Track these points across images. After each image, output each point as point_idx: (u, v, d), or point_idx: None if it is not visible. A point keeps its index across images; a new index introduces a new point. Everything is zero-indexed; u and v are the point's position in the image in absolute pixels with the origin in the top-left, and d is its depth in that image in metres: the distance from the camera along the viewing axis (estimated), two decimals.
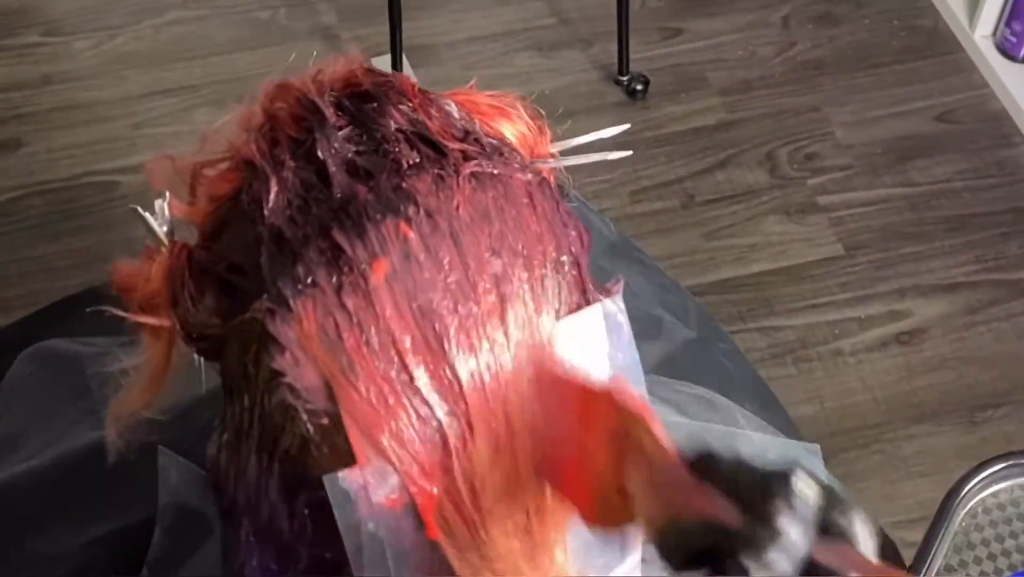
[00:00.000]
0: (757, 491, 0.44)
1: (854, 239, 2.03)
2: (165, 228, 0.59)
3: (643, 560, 0.58)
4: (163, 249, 0.59)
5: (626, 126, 0.70)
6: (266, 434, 0.55)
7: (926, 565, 0.87)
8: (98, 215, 1.99)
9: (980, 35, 2.27)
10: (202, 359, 0.59)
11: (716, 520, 0.44)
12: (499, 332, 0.53)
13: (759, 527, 0.43)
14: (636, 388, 0.58)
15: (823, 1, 2.39)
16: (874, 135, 2.18)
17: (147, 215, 0.59)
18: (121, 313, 0.59)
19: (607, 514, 0.52)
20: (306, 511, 0.55)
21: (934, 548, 0.88)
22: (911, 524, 1.65)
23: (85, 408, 0.84)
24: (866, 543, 0.44)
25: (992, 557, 0.88)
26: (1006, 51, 2.23)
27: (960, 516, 0.89)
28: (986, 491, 0.91)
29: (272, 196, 0.55)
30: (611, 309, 0.58)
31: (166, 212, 0.59)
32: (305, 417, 0.53)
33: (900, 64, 2.30)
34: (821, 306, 1.95)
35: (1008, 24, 2.20)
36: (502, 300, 0.53)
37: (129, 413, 0.60)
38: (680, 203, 2.08)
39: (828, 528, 0.44)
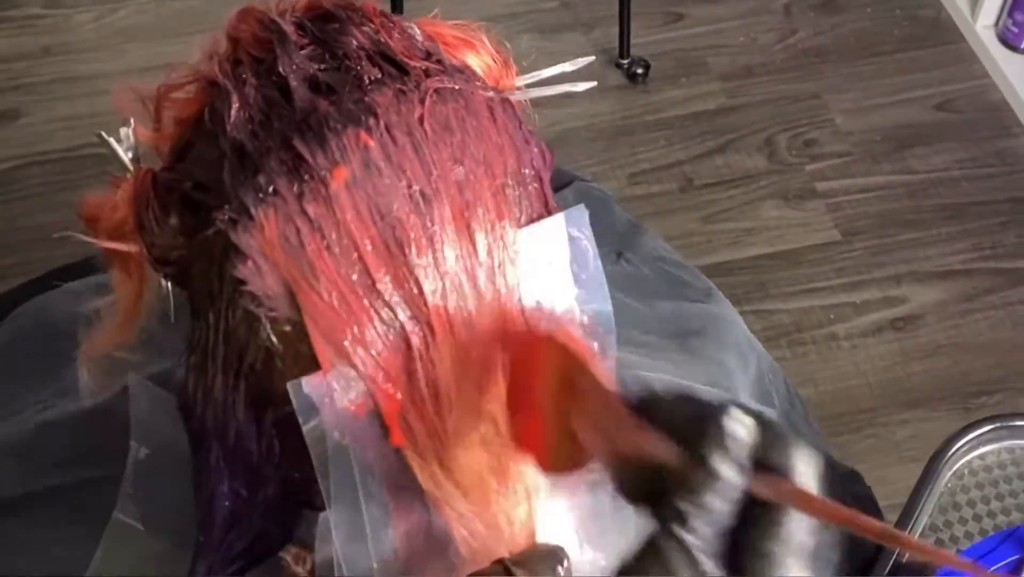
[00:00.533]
0: (692, 432, 0.44)
1: (851, 225, 2.03)
2: (131, 155, 0.59)
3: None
4: (128, 176, 0.59)
5: (591, 58, 0.70)
6: (231, 350, 0.55)
7: (911, 524, 0.87)
8: (97, 186, 1.99)
9: (982, 25, 2.27)
10: (171, 286, 0.59)
11: (656, 462, 0.44)
12: (463, 238, 0.54)
13: (693, 469, 0.43)
14: (601, 306, 0.58)
15: None
16: (874, 123, 2.18)
17: (112, 141, 0.59)
18: (88, 239, 0.59)
19: (560, 459, 0.52)
20: (273, 430, 0.55)
21: (919, 507, 0.88)
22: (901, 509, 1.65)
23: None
24: (806, 476, 0.44)
25: (977, 518, 0.88)
26: (1007, 41, 2.23)
27: (946, 477, 0.89)
28: (973, 453, 0.92)
29: (233, 112, 0.55)
30: (575, 230, 0.58)
31: (131, 139, 0.59)
32: (268, 326, 0.53)
33: (901, 53, 2.30)
34: (817, 291, 1.95)
35: (1010, 15, 2.20)
36: (465, 206, 0.54)
37: (103, 353, 0.60)
38: (678, 186, 2.08)
39: (767, 464, 0.44)
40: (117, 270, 0.61)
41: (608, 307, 0.59)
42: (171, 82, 0.60)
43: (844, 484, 0.93)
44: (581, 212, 0.58)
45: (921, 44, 2.31)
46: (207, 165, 0.56)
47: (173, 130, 0.60)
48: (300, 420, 0.52)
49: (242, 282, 0.53)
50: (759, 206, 2.06)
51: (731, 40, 2.30)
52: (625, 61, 2.20)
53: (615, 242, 1.03)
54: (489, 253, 0.54)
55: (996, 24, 2.26)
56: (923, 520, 0.88)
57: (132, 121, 0.60)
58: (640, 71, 2.20)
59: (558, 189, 1.06)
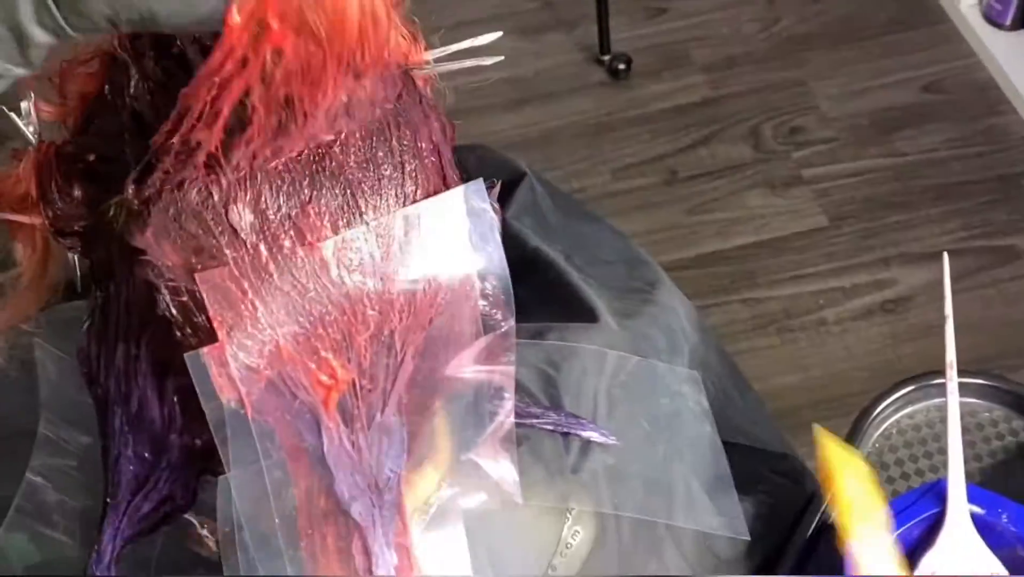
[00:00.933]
0: None
1: (839, 210, 2.02)
2: (32, 129, 0.60)
3: None
4: (30, 149, 0.60)
5: (499, 34, 0.70)
6: (132, 319, 0.56)
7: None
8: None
9: (966, 4, 2.25)
10: (75, 256, 0.60)
11: None
12: (353, 210, 0.54)
13: None
14: (501, 275, 0.59)
15: None
16: (860, 107, 2.17)
17: (13, 115, 0.60)
18: None
19: None
20: (175, 397, 0.56)
21: None
22: None
23: None
24: None
25: (905, 476, 0.87)
26: (992, 19, 2.21)
27: (873, 437, 0.89)
28: (900, 412, 0.91)
29: (133, 83, 0.56)
30: (478, 202, 0.58)
31: (33, 114, 0.60)
32: (167, 296, 0.54)
33: (887, 36, 2.28)
34: (805, 277, 1.94)
35: None
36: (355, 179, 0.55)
37: (8, 325, 0.61)
38: (663, 179, 2.07)
39: None
40: (21, 243, 0.62)
41: (507, 275, 0.60)
42: (74, 57, 0.61)
43: (768, 462, 0.92)
44: (479, 185, 0.59)
45: (906, 26, 2.30)
46: (109, 136, 0.57)
47: (76, 104, 0.61)
48: (198, 390, 0.53)
49: (141, 252, 0.53)
50: (745, 195, 2.05)
51: (714, 31, 2.29)
52: (606, 57, 2.20)
53: (562, 240, 1.02)
54: (378, 227, 0.55)
55: (980, 2, 2.24)
56: None
57: (32, 95, 0.62)
58: (622, 67, 2.20)
59: (512, 184, 1.06)
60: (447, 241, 0.58)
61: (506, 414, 0.63)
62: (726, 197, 2.04)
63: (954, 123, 2.14)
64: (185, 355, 0.53)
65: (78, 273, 0.61)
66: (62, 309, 0.68)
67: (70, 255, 0.61)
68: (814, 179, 2.07)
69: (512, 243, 0.99)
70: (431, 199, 0.57)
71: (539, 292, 0.90)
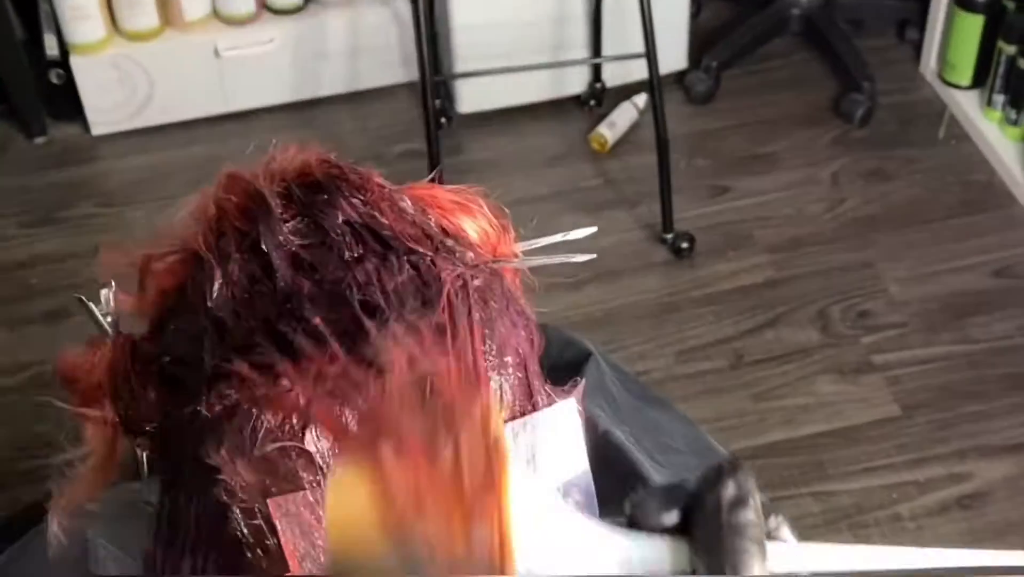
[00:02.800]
0: None
1: (911, 399, 1.96)
2: (110, 319, 0.58)
3: None
4: (107, 340, 0.57)
5: (593, 229, 0.68)
6: (201, 532, 0.54)
7: None
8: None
9: None
10: (144, 453, 0.57)
11: None
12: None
13: None
14: (585, 499, 0.56)
15: (873, 157, 2.37)
16: (930, 291, 2.13)
17: (91, 304, 0.58)
18: (62, 404, 0.58)
19: None
20: None
21: None
22: None
23: None
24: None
25: None
26: None
27: None
28: None
29: (216, 287, 0.54)
30: (569, 416, 0.54)
31: (111, 302, 0.58)
32: (240, 517, 0.51)
33: (955, 219, 2.25)
34: (878, 469, 1.87)
35: None
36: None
37: (73, 504, 0.58)
38: (729, 363, 2.03)
39: None
40: (91, 428, 0.60)
41: (591, 497, 0.56)
42: (156, 251, 0.59)
43: None
44: (570, 407, 0.55)
45: (974, 209, 2.27)
46: (187, 339, 0.55)
47: (155, 298, 0.59)
48: None
49: (215, 469, 0.51)
50: (814, 381, 2.00)
51: (778, 212, 2.28)
52: (669, 236, 2.19)
53: (631, 424, 0.99)
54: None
55: None
56: None
57: (113, 284, 0.60)
58: (685, 245, 2.18)
59: (578, 364, 1.03)
60: (535, 458, 0.54)
61: None
62: (794, 383, 1.99)
63: None
64: None
65: (145, 469, 0.59)
66: (122, 490, 0.65)
67: (139, 451, 0.59)
68: (885, 365, 2.01)
69: (585, 427, 0.96)
70: (515, 421, 0.54)
71: (613, 480, 0.87)
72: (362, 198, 0.58)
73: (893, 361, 2.02)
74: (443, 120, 2.43)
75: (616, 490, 0.84)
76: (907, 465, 1.88)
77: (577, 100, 2.50)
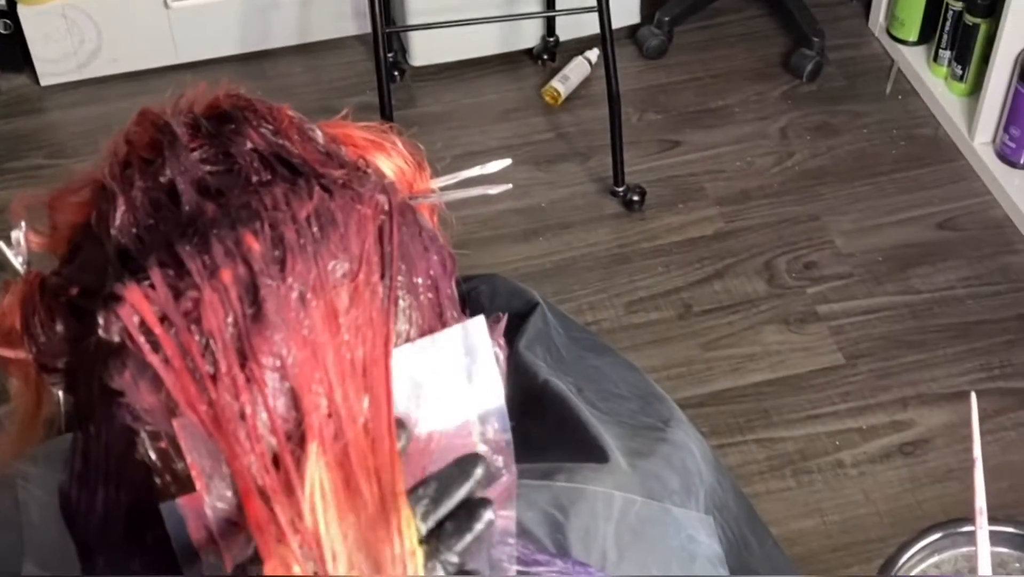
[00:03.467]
0: None
1: (855, 348, 2.00)
2: (21, 259, 0.58)
3: None
4: (18, 281, 0.58)
5: (508, 161, 0.68)
6: (112, 462, 0.53)
7: None
8: None
9: (979, 142, 2.26)
10: (62, 395, 0.58)
11: None
12: (337, 338, 0.52)
13: None
14: (502, 429, 0.56)
15: (821, 112, 2.40)
16: (875, 243, 2.16)
17: (2, 245, 0.58)
18: None
19: None
20: (155, 545, 0.53)
21: None
22: None
23: None
24: None
25: None
26: (1006, 157, 2.21)
27: None
28: (927, 561, 0.86)
29: (119, 215, 0.54)
30: (477, 341, 0.55)
31: (23, 243, 0.58)
32: (146, 441, 0.51)
33: (900, 172, 2.28)
34: (821, 417, 1.91)
35: (1006, 130, 2.19)
36: (343, 311, 0.52)
37: (2, 461, 0.59)
38: (677, 314, 2.05)
39: None
40: (14, 378, 0.59)
41: (506, 419, 0.57)
42: (65, 186, 0.59)
43: None
44: (479, 322, 0.56)
45: (920, 163, 2.30)
46: (93, 269, 0.55)
47: (66, 234, 0.59)
48: (173, 543, 0.51)
49: (120, 394, 0.51)
50: (760, 331, 2.02)
51: (727, 165, 2.30)
52: (620, 189, 2.20)
53: (574, 373, 1.00)
54: (365, 366, 0.52)
55: (993, 141, 2.24)
56: None
57: (23, 225, 0.60)
58: (636, 198, 2.19)
59: (524, 315, 1.04)
60: (442, 383, 0.55)
61: (509, 561, 0.59)
62: (740, 332, 2.02)
63: (969, 261, 2.13)
64: (160, 505, 0.50)
65: (62, 411, 0.59)
66: (57, 442, 0.65)
67: (56, 392, 0.59)
68: (829, 315, 2.04)
69: (523, 375, 0.96)
70: (424, 339, 0.54)
71: (548, 427, 0.88)
72: (271, 127, 0.58)
73: (838, 311, 2.05)
74: (396, 73, 2.43)
75: (554, 437, 0.85)
76: (850, 413, 1.91)
77: (530, 54, 2.51)
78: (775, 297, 2.07)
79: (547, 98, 2.41)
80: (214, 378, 0.50)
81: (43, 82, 2.42)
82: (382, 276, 0.54)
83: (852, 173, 2.28)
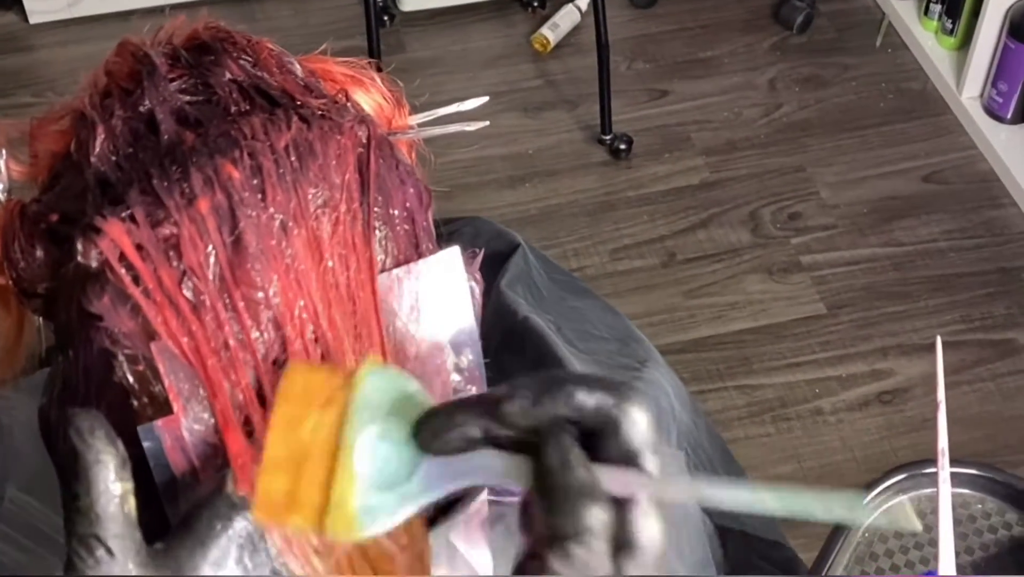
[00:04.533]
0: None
1: (836, 298, 2.01)
2: (1, 187, 0.59)
3: None
4: None
5: (485, 98, 0.69)
6: (91, 385, 0.54)
7: (824, 572, 0.84)
8: None
9: (967, 96, 2.26)
10: (42, 321, 0.58)
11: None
12: (320, 265, 0.52)
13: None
14: (475, 359, 0.57)
15: (810, 64, 2.40)
16: (860, 195, 2.17)
17: None
18: None
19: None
20: (132, 465, 0.54)
21: (831, 559, 0.84)
22: None
23: None
24: (650, 462, 0.44)
25: (895, 568, 0.85)
26: (993, 112, 2.22)
27: (863, 527, 0.86)
28: (891, 501, 0.88)
29: (98, 143, 0.54)
30: (453, 272, 0.56)
31: (3, 171, 0.59)
32: (124, 364, 0.52)
33: (887, 125, 2.29)
34: (802, 365, 1.92)
35: (994, 85, 2.19)
36: (322, 234, 0.53)
37: None
38: (661, 261, 2.06)
39: (616, 459, 0.44)
40: None
41: (479, 349, 0.58)
42: (46, 116, 0.60)
43: (759, 550, 0.90)
44: (454, 253, 0.57)
45: (907, 116, 2.30)
46: (73, 196, 0.55)
47: (46, 162, 0.59)
48: (150, 462, 0.51)
49: (99, 318, 0.52)
50: (743, 280, 2.04)
51: (715, 115, 2.30)
52: (607, 137, 2.20)
53: (554, 312, 1.01)
54: (350, 291, 0.53)
55: (981, 95, 2.25)
56: (837, 571, 0.84)
57: (3, 152, 0.60)
58: (623, 147, 2.20)
59: (506, 256, 1.05)
60: (417, 313, 0.56)
61: (480, 491, 0.60)
62: (723, 281, 2.03)
63: (953, 214, 2.14)
64: (138, 427, 0.51)
65: (42, 339, 0.60)
66: (40, 375, 0.66)
67: (36, 320, 0.60)
68: (812, 266, 2.06)
69: (503, 312, 0.97)
70: (398, 268, 0.55)
71: (527, 363, 0.88)
72: (250, 59, 0.58)
73: (820, 262, 2.06)
74: (385, 18, 2.42)
75: (530, 371, 0.86)
76: (830, 361, 1.93)
77: (520, 1, 2.50)
78: (759, 247, 2.08)
79: (536, 46, 2.41)
80: (195, 309, 0.51)
81: (32, 20, 2.41)
82: (360, 204, 0.55)
83: (839, 125, 2.28)
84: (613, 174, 2.19)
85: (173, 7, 2.41)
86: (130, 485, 0.47)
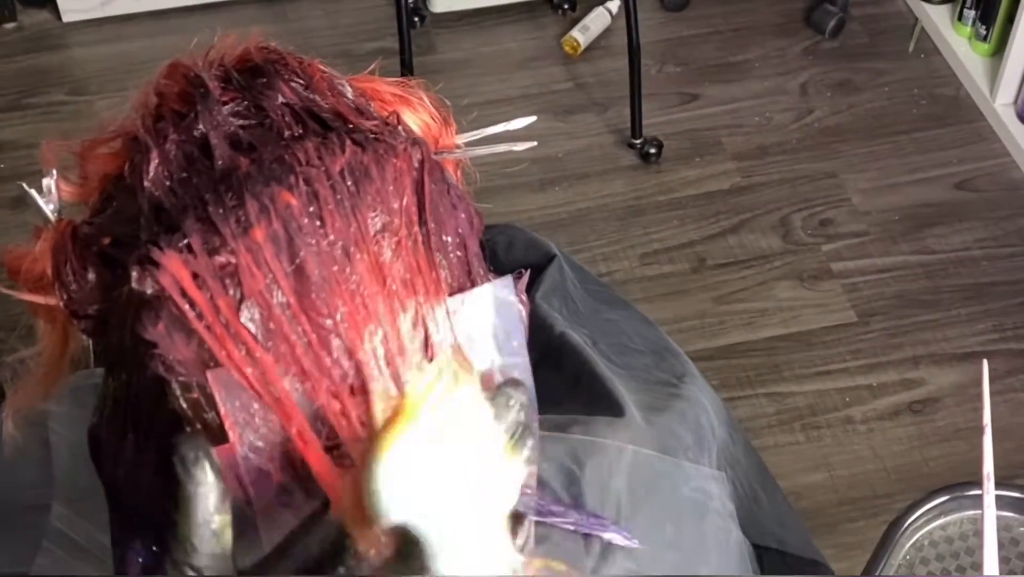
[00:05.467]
0: None
1: (868, 306, 2.00)
2: (52, 207, 0.59)
3: None
4: (49, 228, 0.58)
5: (533, 118, 0.69)
6: (142, 410, 0.54)
7: None
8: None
9: (1001, 103, 2.24)
10: (90, 340, 0.58)
11: None
12: (386, 288, 0.52)
13: None
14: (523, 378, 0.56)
15: (842, 69, 2.39)
16: (891, 202, 2.16)
17: (33, 193, 0.59)
18: (9, 292, 0.58)
19: None
20: None
21: None
22: None
23: None
24: None
25: None
26: None
27: (905, 548, 0.86)
28: (933, 523, 0.88)
29: (152, 168, 0.54)
30: (506, 296, 0.56)
31: (53, 191, 0.59)
32: (177, 391, 0.52)
33: (920, 132, 2.28)
34: (832, 373, 1.92)
35: None
36: (385, 260, 0.53)
37: (28, 403, 0.59)
38: (691, 267, 2.06)
39: None
40: (42, 321, 0.60)
41: (530, 372, 0.58)
42: (96, 137, 0.60)
43: (797, 568, 0.89)
44: (508, 281, 0.57)
45: (940, 123, 2.29)
46: (126, 220, 0.55)
47: (97, 184, 0.59)
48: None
49: (153, 345, 0.52)
50: (773, 287, 2.03)
51: (746, 120, 2.29)
52: (637, 141, 2.20)
53: (590, 326, 1.00)
54: (416, 316, 0.53)
55: (1015, 102, 2.23)
56: None
57: (55, 173, 0.60)
58: (653, 151, 2.19)
59: (542, 267, 1.04)
60: (471, 341, 0.56)
61: (526, 511, 0.60)
62: (754, 287, 2.03)
63: (986, 222, 2.12)
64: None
65: (92, 354, 0.60)
66: (82, 376, 0.66)
67: (84, 337, 0.60)
68: (843, 273, 2.05)
69: (539, 327, 0.97)
70: (456, 296, 0.55)
71: (564, 379, 0.88)
72: (302, 82, 0.58)
73: (852, 269, 2.05)
74: (416, 19, 2.42)
75: (570, 389, 0.86)
76: (861, 370, 1.92)
77: (550, 3, 2.50)
78: (789, 253, 2.08)
79: (567, 48, 2.40)
80: (261, 338, 0.51)
81: (65, 18, 2.42)
82: (420, 227, 0.55)
83: (871, 131, 2.27)
84: (643, 178, 2.19)
85: (205, 7, 2.42)
86: (228, 517, 0.48)
